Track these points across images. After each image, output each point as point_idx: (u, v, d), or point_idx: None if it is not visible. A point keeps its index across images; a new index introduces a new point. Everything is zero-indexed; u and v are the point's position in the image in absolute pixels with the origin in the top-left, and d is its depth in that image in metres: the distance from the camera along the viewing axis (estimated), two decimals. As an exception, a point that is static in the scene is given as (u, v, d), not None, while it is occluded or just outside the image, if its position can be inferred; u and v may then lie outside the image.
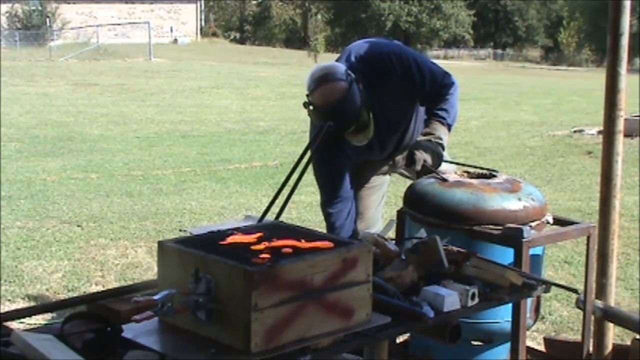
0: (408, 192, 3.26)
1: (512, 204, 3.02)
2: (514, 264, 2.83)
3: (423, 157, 3.16)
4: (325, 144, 3.15)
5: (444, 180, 3.15)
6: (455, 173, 3.32)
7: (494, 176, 3.22)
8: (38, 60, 28.55)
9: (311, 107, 3.05)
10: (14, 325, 2.56)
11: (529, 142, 12.09)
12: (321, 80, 3.00)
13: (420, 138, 3.26)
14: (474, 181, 3.14)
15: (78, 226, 6.30)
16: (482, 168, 3.37)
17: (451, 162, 3.62)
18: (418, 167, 3.17)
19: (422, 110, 3.43)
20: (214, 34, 48.08)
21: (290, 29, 55.45)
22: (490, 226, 2.98)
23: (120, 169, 9.23)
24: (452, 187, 3.09)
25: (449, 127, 3.29)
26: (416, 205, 3.16)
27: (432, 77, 3.27)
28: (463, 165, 3.58)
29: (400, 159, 3.55)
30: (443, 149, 3.24)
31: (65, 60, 29.40)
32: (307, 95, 3.06)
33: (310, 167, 3.10)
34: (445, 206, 3.03)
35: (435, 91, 3.29)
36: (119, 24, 37.54)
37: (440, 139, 3.23)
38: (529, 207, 3.04)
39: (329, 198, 3.33)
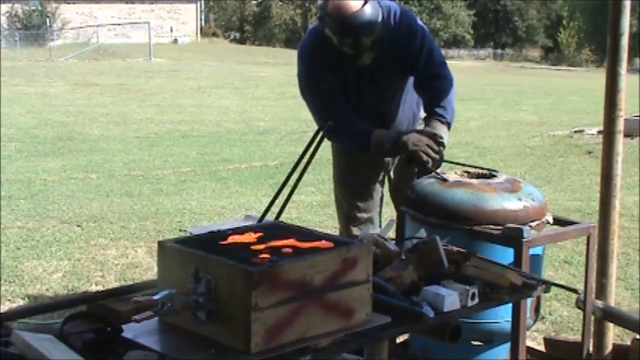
0: (408, 192, 3.26)
1: (512, 204, 3.02)
2: (514, 264, 2.83)
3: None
4: (315, 63, 3.12)
5: (444, 180, 3.15)
6: (455, 173, 3.32)
7: (494, 176, 3.22)
8: (38, 60, 28.55)
9: (328, 19, 3.02)
10: (14, 325, 2.55)
11: (529, 142, 12.09)
12: None
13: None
14: (474, 181, 3.14)
15: (78, 226, 6.30)
16: (482, 168, 3.37)
17: (451, 162, 3.62)
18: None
19: (412, 96, 3.41)
20: (214, 34, 48.03)
21: (290, 29, 55.40)
22: (490, 226, 2.98)
23: (120, 169, 9.23)
24: (452, 187, 3.09)
25: (449, 125, 3.28)
26: (416, 205, 3.16)
27: (430, 53, 3.27)
28: (463, 165, 3.58)
29: (390, 160, 3.54)
30: (444, 147, 3.24)
31: (65, 60, 29.40)
32: (320, 18, 3.06)
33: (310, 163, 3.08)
34: (445, 206, 3.03)
35: (428, 71, 3.27)
36: (119, 24, 37.52)
37: (441, 137, 3.23)
38: (529, 207, 3.04)
39: (321, 118, 3.19)
